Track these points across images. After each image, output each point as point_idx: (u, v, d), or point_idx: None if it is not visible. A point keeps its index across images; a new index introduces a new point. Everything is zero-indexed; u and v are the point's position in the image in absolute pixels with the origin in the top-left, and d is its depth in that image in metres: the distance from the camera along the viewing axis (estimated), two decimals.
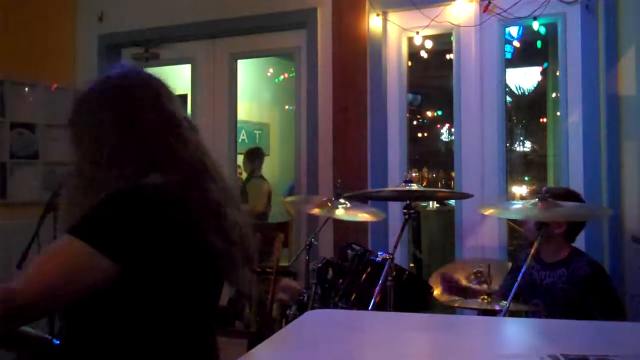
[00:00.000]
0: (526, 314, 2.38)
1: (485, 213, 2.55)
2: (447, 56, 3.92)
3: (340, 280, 2.49)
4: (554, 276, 2.50)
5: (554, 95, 4.69)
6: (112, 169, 1.33)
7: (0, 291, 1.15)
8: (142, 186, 1.31)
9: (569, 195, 2.54)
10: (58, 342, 1.40)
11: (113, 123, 1.36)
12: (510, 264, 2.96)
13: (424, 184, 6.13)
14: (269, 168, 6.64)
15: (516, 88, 6.67)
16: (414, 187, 2.42)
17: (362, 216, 2.91)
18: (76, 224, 1.25)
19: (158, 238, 1.26)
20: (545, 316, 2.37)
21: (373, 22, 3.65)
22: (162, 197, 1.30)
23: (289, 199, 3.22)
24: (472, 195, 2.71)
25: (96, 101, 1.40)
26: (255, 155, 5.74)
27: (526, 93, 6.69)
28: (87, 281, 1.22)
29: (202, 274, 1.37)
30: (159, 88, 1.44)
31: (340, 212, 2.76)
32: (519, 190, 5.49)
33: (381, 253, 2.45)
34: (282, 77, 6.58)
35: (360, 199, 3.00)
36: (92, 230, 1.23)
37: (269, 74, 6.65)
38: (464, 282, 2.74)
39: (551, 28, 3.69)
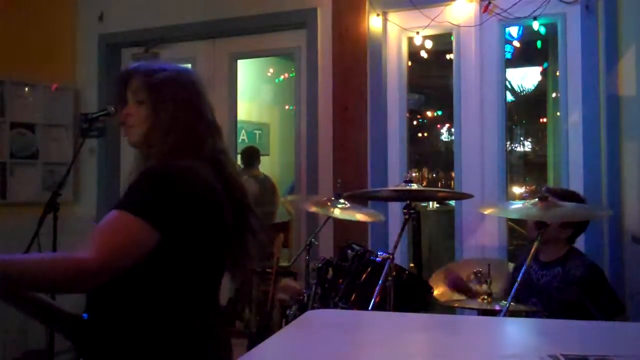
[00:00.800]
0: (526, 314, 2.38)
1: (485, 212, 2.55)
2: (447, 56, 3.92)
3: (340, 280, 2.49)
4: (549, 275, 2.52)
5: (554, 95, 4.69)
6: (168, 142, 1.55)
7: (79, 260, 1.30)
8: (178, 166, 1.50)
9: (570, 195, 2.54)
10: (87, 316, 1.51)
11: (188, 104, 1.60)
12: (510, 264, 2.96)
13: (424, 184, 6.12)
14: (269, 168, 6.64)
15: (516, 88, 6.66)
16: (414, 186, 2.42)
17: (361, 217, 2.91)
18: (126, 200, 1.43)
19: (190, 213, 1.45)
20: (545, 316, 2.37)
21: (373, 22, 3.65)
22: (195, 178, 1.50)
23: (289, 198, 3.22)
24: (472, 196, 2.72)
25: (176, 82, 1.62)
26: (243, 155, 5.60)
27: (526, 93, 6.68)
28: (141, 248, 1.38)
29: (218, 253, 1.56)
30: (204, 89, 1.69)
31: (337, 212, 2.76)
32: (519, 190, 5.49)
33: (381, 253, 2.44)
34: (282, 77, 6.58)
35: (360, 199, 3.00)
36: (139, 206, 1.40)
37: (269, 74, 6.65)
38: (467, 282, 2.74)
39: (551, 28, 3.69)
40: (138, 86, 1.60)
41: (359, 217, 2.90)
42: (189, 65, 4.38)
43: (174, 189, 1.45)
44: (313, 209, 2.85)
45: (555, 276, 2.49)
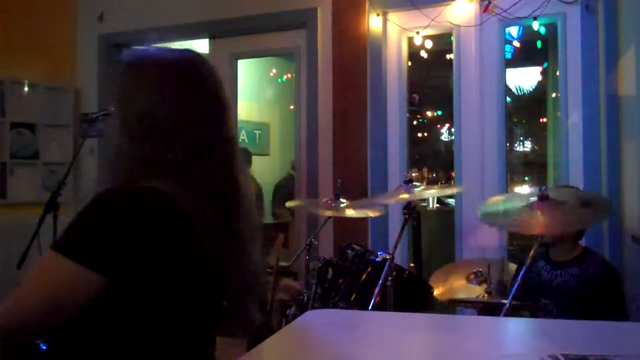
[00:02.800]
0: (532, 315, 2.37)
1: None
2: (447, 56, 3.92)
3: (340, 280, 2.49)
4: (565, 275, 2.49)
5: (554, 95, 4.69)
6: (127, 157, 1.25)
7: None
8: (126, 190, 1.20)
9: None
10: (45, 347, 1.33)
11: (157, 99, 1.27)
12: (510, 264, 2.96)
13: (424, 183, 6.12)
14: (269, 168, 6.64)
15: (516, 88, 6.66)
16: (417, 189, 2.41)
17: (366, 212, 2.91)
18: (61, 238, 1.16)
19: (148, 248, 1.15)
20: (555, 317, 2.36)
21: (373, 22, 3.65)
22: (157, 204, 1.18)
23: (290, 203, 3.22)
24: (463, 186, 2.70)
25: (143, 71, 1.35)
26: None
27: (526, 93, 6.68)
28: (75, 300, 1.14)
29: (195, 288, 1.25)
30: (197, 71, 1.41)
31: (343, 211, 2.76)
32: (519, 190, 5.49)
33: (381, 253, 2.45)
34: (285, 77, 6.58)
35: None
36: (76, 244, 1.14)
37: (271, 74, 6.65)
38: (464, 282, 2.74)
39: (551, 28, 3.69)
40: (115, 84, 1.32)
41: (364, 212, 2.90)
42: None
43: (118, 220, 1.14)
44: (327, 213, 2.84)
45: (572, 276, 2.47)
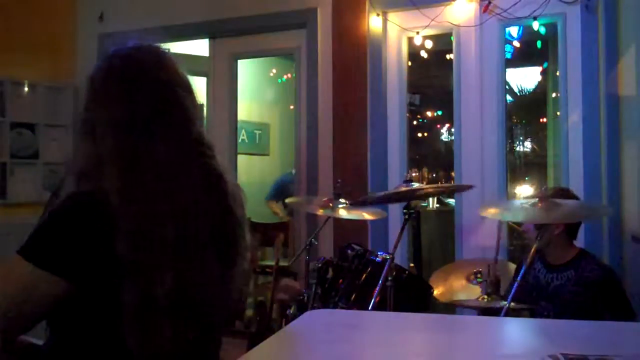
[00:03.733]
0: (531, 315, 2.36)
1: (485, 215, 2.53)
2: (447, 56, 3.92)
3: (340, 280, 2.49)
4: (561, 278, 2.46)
5: (554, 95, 4.69)
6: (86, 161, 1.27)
7: None
8: (93, 196, 1.20)
9: (564, 193, 2.50)
10: (44, 348, 1.36)
11: (124, 100, 1.30)
12: (510, 264, 2.96)
13: (424, 184, 6.12)
14: (269, 168, 6.64)
15: (516, 88, 6.67)
16: (416, 185, 2.41)
17: (365, 215, 2.91)
18: (25, 243, 1.18)
19: (103, 250, 1.15)
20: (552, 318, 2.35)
21: (373, 22, 3.65)
22: (108, 207, 1.17)
23: (289, 200, 3.22)
24: (471, 186, 2.68)
25: (107, 72, 1.39)
26: None
27: (526, 93, 6.68)
28: (37, 303, 1.16)
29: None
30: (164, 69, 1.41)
31: (344, 213, 2.75)
32: (519, 190, 5.49)
33: (381, 253, 2.44)
34: (285, 77, 6.58)
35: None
36: (36, 249, 1.17)
37: (271, 74, 6.65)
38: (464, 282, 2.74)
39: (551, 28, 3.69)
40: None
41: (363, 215, 2.89)
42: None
43: (79, 225, 1.16)
44: (319, 211, 2.83)
45: (568, 279, 2.44)
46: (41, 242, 1.17)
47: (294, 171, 5.02)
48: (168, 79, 1.31)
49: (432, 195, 4.65)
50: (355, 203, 2.82)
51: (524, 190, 5.53)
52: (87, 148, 1.27)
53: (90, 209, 1.18)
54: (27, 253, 1.16)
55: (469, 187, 2.72)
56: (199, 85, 4.31)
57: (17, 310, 1.15)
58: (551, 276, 2.49)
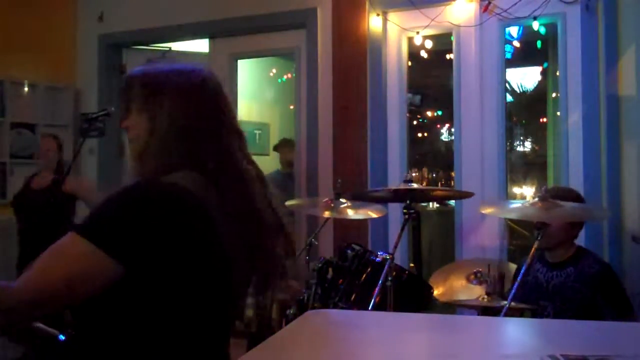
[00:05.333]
0: (532, 314, 2.37)
1: (485, 212, 2.54)
2: (447, 56, 3.92)
3: (340, 280, 2.49)
4: (561, 276, 2.47)
5: (554, 95, 4.68)
6: (159, 155, 1.32)
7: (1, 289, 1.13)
8: (158, 183, 1.25)
9: (569, 194, 2.51)
10: (63, 337, 1.38)
11: (189, 109, 1.37)
12: (510, 264, 2.96)
13: (424, 184, 6.12)
14: (269, 168, 6.63)
15: (516, 88, 6.66)
16: (415, 185, 2.41)
17: (367, 213, 2.91)
18: (83, 222, 1.19)
19: (167, 241, 1.18)
20: (554, 318, 2.35)
21: (373, 22, 3.65)
22: (178, 198, 1.22)
23: (290, 202, 3.21)
24: (473, 194, 2.70)
25: (176, 84, 1.42)
26: None
27: (526, 93, 6.68)
28: (90, 283, 1.16)
29: (213, 283, 1.27)
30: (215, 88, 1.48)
31: (347, 212, 2.75)
32: (519, 190, 5.49)
33: (381, 253, 2.45)
34: (285, 77, 6.57)
35: (360, 199, 2.99)
36: (96, 228, 1.18)
37: (271, 74, 6.65)
38: (464, 282, 2.74)
39: (551, 28, 3.69)
40: (136, 93, 1.38)
41: (365, 214, 2.89)
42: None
43: (146, 212, 1.19)
44: (325, 213, 2.82)
45: (568, 276, 2.46)
46: (111, 226, 1.18)
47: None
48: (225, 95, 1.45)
49: (435, 200, 4.64)
50: (357, 196, 2.82)
51: (524, 191, 5.53)
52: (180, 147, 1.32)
53: (174, 202, 1.21)
54: (92, 234, 1.16)
55: (470, 194, 2.72)
56: None
57: (67, 289, 1.15)
58: (551, 274, 2.50)
